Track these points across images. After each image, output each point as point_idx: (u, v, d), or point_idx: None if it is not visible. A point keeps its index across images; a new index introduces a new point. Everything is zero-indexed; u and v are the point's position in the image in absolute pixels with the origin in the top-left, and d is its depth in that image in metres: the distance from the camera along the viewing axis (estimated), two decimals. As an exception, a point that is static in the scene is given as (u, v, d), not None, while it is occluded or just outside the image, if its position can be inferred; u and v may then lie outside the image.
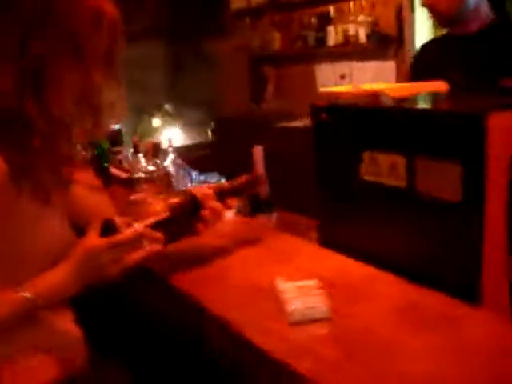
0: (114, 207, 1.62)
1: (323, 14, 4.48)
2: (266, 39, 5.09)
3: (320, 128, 1.51)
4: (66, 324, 1.30)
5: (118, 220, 1.25)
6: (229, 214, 1.88)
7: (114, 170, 2.52)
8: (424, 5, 1.91)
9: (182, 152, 4.79)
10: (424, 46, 2.22)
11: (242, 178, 1.58)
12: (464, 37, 1.94)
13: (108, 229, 1.22)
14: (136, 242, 1.21)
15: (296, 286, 1.21)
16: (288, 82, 5.14)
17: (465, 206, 1.18)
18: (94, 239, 1.18)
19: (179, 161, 2.67)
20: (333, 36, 4.37)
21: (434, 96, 1.34)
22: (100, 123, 1.25)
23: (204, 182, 2.37)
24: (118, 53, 1.24)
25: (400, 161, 1.29)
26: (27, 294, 1.10)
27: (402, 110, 1.28)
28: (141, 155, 2.65)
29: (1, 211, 1.10)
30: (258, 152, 2.56)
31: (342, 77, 4.31)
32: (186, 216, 1.42)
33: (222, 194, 1.49)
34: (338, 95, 1.47)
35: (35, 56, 1.09)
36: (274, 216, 1.86)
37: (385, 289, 1.27)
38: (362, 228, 1.44)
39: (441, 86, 1.39)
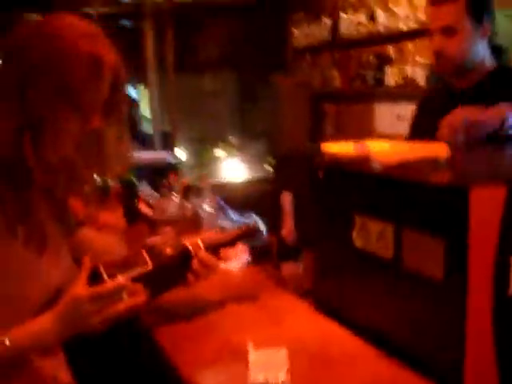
0: (128, 249, 1.61)
1: (382, 54, 4.42)
2: (325, 77, 5.06)
3: (317, 186, 1.46)
4: (56, 370, 1.30)
5: (103, 269, 1.23)
6: (236, 265, 1.85)
7: (142, 207, 2.53)
8: (434, 50, 1.83)
9: (237, 186, 4.84)
10: (422, 101, 2.13)
11: (237, 229, 1.54)
12: (463, 91, 1.85)
13: (96, 276, 1.21)
14: (117, 294, 1.20)
15: (265, 355, 1.16)
16: (347, 120, 5.08)
17: (447, 284, 1.09)
18: (78, 288, 1.18)
19: (218, 199, 2.66)
20: (391, 76, 4.29)
21: (428, 161, 1.27)
22: (104, 167, 1.25)
23: (238, 222, 2.35)
24: (121, 99, 1.23)
25: (388, 229, 1.23)
26: (5, 339, 1.10)
27: (387, 178, 1.21)
28: (174, 194, 2.67)
29: None
30: (287, 198, 2.53)
31: (399, 118, 4.22)
32: (175, 268, 1.39)
33: (214, 246, 1.45)
34: (335, 155, 1.42)
35: (33, 105, 1.10)
36: (301, 263, 1.81)
37: (361, 367, 1.20)
38: (351, 294, 1.38)
39: (440, 149, 1.32)
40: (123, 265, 1.30)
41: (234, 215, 2.55)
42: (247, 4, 5.40)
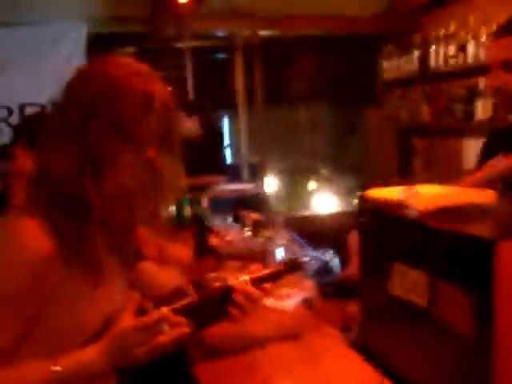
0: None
1: (472, 87, 4.28)
2: (414, 110, 4.97)
3: (364, 230, 1.45)
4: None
5: (147, 304, 1.28)
6: (291, 303, 1.85)
7: (213, 240, 2.59)
8: (494, 86, 1.76)
9: (324, 219, 4.82)
10: (490, 135, 2.03)
11: (281, 264, 1.54)
12: None
13: (143, 310, 1.26)
14: (160, 325, 1.22)
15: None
16: (435, 155, 4.95)
17: (476, 337, 1.05)
18: (124, 320, 1.23)
19: (292, 234, 2.67)
20: (481, 110, 4.15)
21: (469, 208, 1.23)
22: (160, 196, 1.30)
23: (315, 259, 2.35)
24: (173, 129, 1.26)
25: (423, 278, 1.20)
26: (56, 368, 1.16)
27: (420, 225, 1.19)
28: (245, 229, 2.71)
29: (46, 288, 1.17)
30: (354, 237, 2.51)
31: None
32: (218, 301, 1.41)
33: (259, 280, 1.46)
34: (376, 200, 1.41)
35: (91, 143, 1.17)
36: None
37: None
38: (390, 341, 1.35)
39: (487, 195, 1.27)
40: (170, 298, 1.34)
41: (307, 249, 2.55)
42: (337, 36, 5.43)
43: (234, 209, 3.50)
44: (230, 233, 2.77)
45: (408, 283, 1.25)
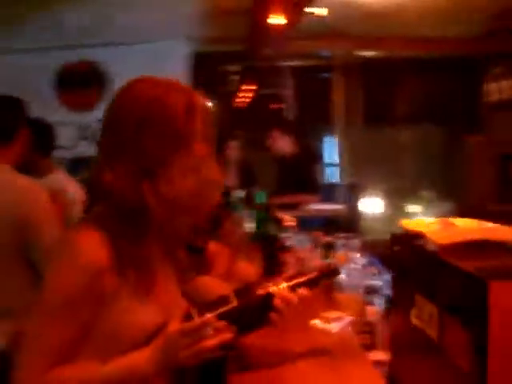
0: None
1: None
2: (518, 135, 4.77)
3: (393, 258, 1.47)
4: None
5: (193, 310, 1.37)
6: (337, 326, 1.88)
7: (288, 258, 2.63)
8: None
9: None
10: None
11: (318, 270, 1.58)
12: None
13: (189, 316, 1.34)
14: (204, 329, 1.28)
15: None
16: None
17: (473, 375, 1.05)
18: (171, 327, 1.30)
19: (373, 259, 2.67)
20: None
21: (490, 245, 1.21)
22: (207, 198, 1.41)
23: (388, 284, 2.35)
24: (211, 132, 1.37)
25: (434, 311, 1.21)
26: (105, 371, 1.26)
27: (435, 259, 1.20)
28: (317, 250, 2.74)
29: (100, 296, 1.27)
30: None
31: None
32: (258, 308, 1.43)
33: (296, 286, 1.49)
34: (406, 230, 1.42)
35: (146, 151, 1.29)
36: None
37: None
38: (412, 370, 1.36)
39: (509, 234, 1.25)
40: (214, 304, 1.42)
41: (384, 274, 2.53)
42: (440, 58, 5.33)
43: (323, 228, 3.53)
44: (302, 253, 2.82)
45: (425, 315, 1.27)
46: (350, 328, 1.88)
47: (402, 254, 1.42)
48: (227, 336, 1.30)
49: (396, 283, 1.49)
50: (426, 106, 6.04)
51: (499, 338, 1.00)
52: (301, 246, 3.07)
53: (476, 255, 1.17)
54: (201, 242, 1.68)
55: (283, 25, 3.82)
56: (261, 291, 1.44)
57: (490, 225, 1.44)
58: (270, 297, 1.44)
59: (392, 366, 1.51)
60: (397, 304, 1.49)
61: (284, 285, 1.46)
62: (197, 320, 1.29)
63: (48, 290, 1.27)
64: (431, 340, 1.23)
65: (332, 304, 2.16)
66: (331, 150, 6.28)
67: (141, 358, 1.27)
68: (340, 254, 2.77)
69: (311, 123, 5.87)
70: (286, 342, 1.71)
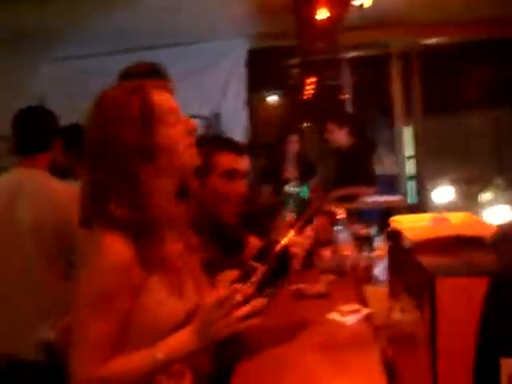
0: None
1: None
2: None
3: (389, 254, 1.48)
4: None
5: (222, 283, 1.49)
6: (351, 319, 1.90)
7: (321, 258, 2.65)
8: None
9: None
10: None
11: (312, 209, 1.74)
12: None
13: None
14: (233, 298, 1.36)
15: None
16: None
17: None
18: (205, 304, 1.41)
19: None
20: None
21: (464, 241, 1.20)
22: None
23: None
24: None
25: (409, 305, 1.22)
26: (159, 355, 1.35)
27: (410, 255, 1.21)
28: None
29: (131, 287, 1.36)
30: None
31: None
32: (280, 261, 1.58)
33: (301, 228, 1.70)
34: (395, 227, 1.43)
35: (149, 137, 1.42)
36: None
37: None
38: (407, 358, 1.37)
39: (487, 229, 1.22)
40: (242, 277, 1.49)
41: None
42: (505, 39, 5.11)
43: (380, 220, 3.51)
44: (341, 247, 2.82)
45: (405, 307, 1.28)
46: (365, 321, 1.89)
47: (391, 251, 1.43)
48: (257, 302, 1.38)
49: (390, 278, 1.49)
50: (497, 89, 5.82)
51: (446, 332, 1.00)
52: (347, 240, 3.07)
53: (444, 251, 1.17)
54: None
55: (330, 18, 3.81)
56: (276, 248, 1.59)
57: (482, 221, 1.43)
58: (286, 249, 1.59)
59: (390, 357, 1.51)
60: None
61: (292, 233, 1.64)
62: (225, 290, 1.37)
63: (84, 288, 1.37)
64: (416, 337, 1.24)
65: (358, 297, 2.18)
66: (391, 140, 6.17)
67: (183, 337, 1.37)
68: (381, 246, 2.75)
69: (369, 113, 5.79)
70: (300, 334, 1.77)
